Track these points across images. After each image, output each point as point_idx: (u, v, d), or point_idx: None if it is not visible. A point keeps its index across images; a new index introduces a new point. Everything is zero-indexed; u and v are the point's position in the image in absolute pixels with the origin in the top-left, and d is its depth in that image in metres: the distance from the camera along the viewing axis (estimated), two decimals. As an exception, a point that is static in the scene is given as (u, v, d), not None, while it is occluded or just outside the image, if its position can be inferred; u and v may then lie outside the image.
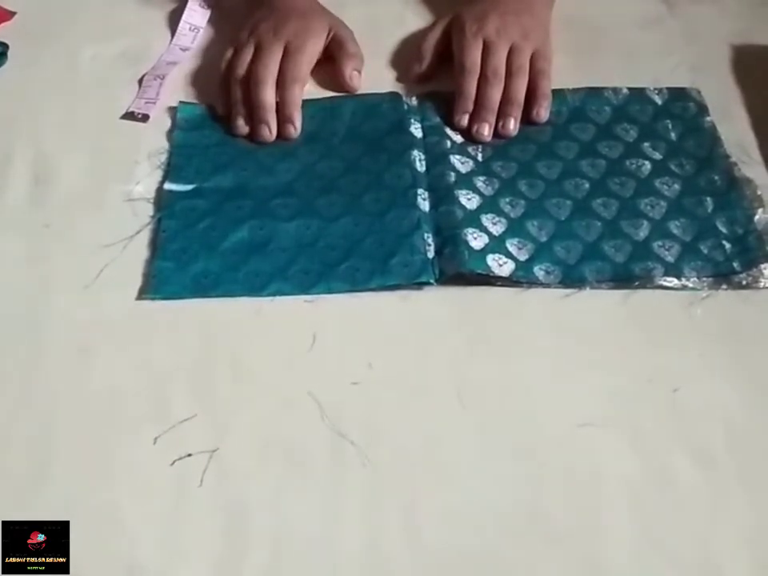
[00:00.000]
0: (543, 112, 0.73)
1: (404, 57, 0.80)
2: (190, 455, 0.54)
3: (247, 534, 0.51)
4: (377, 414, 0.56)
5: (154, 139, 0.73)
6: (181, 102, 0.76)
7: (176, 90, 0.77)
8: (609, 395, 0.57)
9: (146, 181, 0.69)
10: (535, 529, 0.51)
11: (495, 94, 0.73)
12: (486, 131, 0.72)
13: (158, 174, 0.70)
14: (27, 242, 0.66)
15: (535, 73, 0.74)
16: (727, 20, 0.83)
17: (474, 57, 0.74)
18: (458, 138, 0.73)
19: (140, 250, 0.65)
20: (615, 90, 0.76)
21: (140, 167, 0.70)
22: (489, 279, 0.63)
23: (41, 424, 0.56)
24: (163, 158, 0.71)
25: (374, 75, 0.78)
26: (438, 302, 0.62)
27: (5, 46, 0.80)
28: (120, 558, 0.50)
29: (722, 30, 0.82)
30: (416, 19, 0.84)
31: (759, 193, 0.68)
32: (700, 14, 0.84)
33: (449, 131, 0.73)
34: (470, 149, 0.72)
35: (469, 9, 0.78)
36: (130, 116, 0.75)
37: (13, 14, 0.84)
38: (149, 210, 0.67)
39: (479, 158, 0.71)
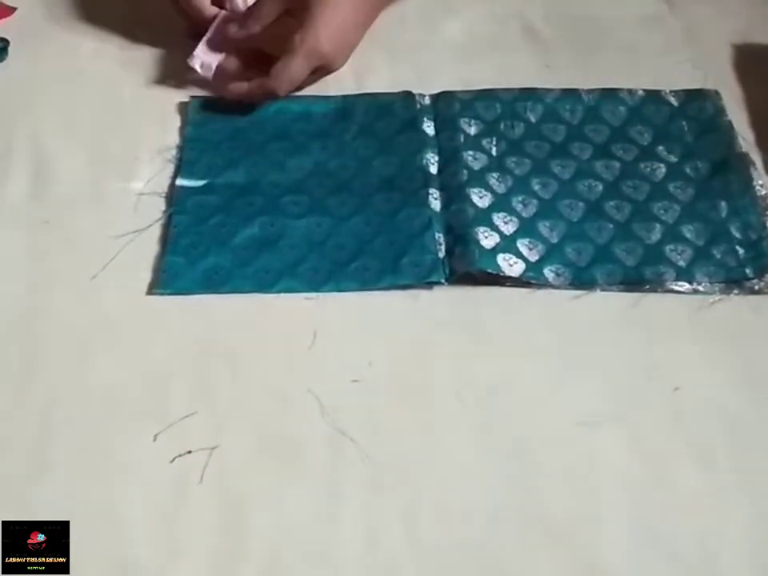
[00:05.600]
0: None
1: (414, 56, 0.79)
2: (190, 452, 0.54)
3: (247, 531, 0.51)
4: (377, 411, 0.56)
5: (166, 134, 0.72)
6: (192, 96, 0.75)
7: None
8: (609, 394, 0.57)
9: (157, 176, 0.69)
10: (535, 527, 0.51)
11: None
12: None
13: (170, 170, 0.70)
14: (29, 238, 0.66)
15: None
16: (728, 19, 0.82)
17: None
18: (472, 131, 0.72)
19: (149, 245, 0.65)
20: (630, 92, 0.74)
21: (147, 163, 0.70)
22: (498, 279, 0.62)
23: (41, 421, 0.56)
24: (175, 153, 0.71)
25: (385, 75, 0.77)
26: (443, 300, 0.62)
27: (5, 41, 0.79)
28: (120, 555, 0.50)
29: (723, 28, 0.81)
30: (419, 18, 0.83)
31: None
32: (701, 12, 0.82)
33: (462, 126, 0.72)
34: (483, 142, 0.71)
35: None
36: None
37: (13, 9, 0.84)
38: (160, 204, 0.67)
39: (493, 152, 0.70)
